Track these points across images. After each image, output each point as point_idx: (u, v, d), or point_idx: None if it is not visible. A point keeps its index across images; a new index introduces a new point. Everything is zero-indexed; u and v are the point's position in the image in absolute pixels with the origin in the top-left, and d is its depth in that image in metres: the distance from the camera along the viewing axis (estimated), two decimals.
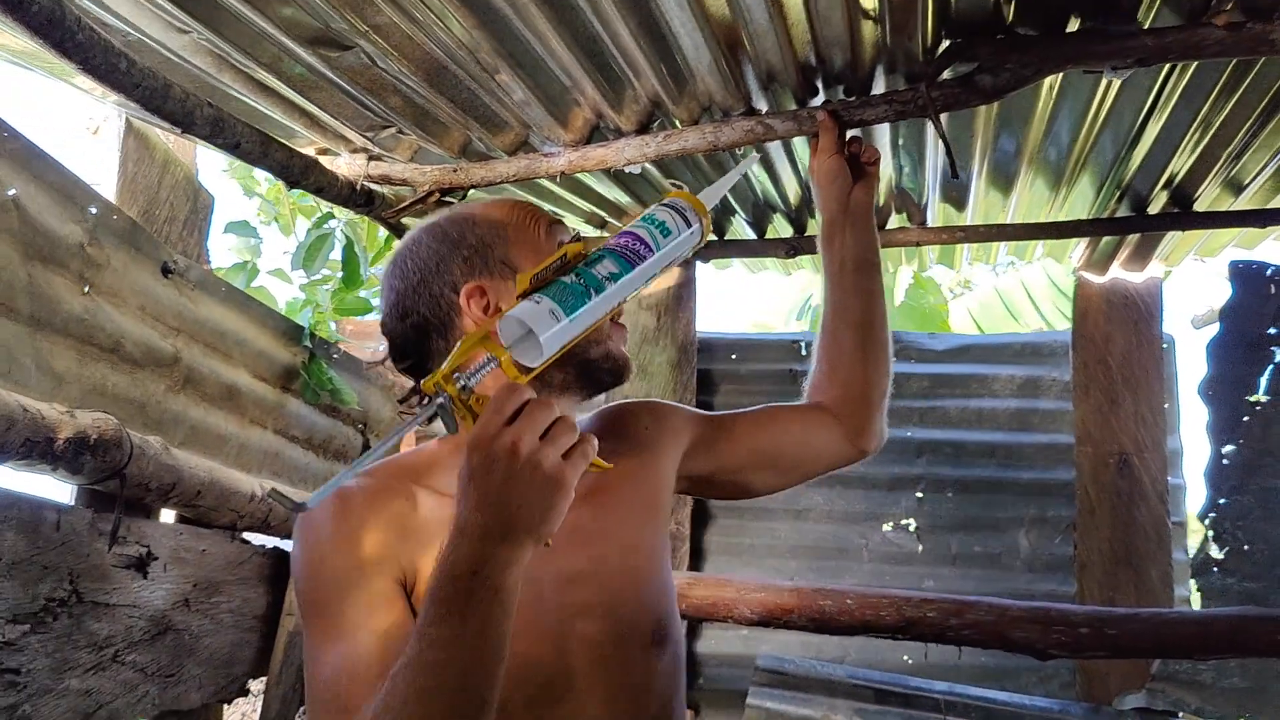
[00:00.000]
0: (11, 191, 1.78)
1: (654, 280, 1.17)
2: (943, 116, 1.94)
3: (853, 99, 2.01)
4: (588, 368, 1.21)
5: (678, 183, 2.65)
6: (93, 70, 1.43)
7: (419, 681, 0.92)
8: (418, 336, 1.21)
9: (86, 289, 1.98)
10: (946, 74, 1.93)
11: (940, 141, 2.01)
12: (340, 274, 2.80)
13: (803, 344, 3.59)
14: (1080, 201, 2.88)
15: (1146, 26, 1.86)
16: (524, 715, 1.10)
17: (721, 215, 3.00)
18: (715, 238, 3.16)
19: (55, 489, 1.97)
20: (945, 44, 1.89)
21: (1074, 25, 1.88)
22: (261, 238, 3.25)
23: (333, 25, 1.68)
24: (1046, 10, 1.83)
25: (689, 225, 1.17)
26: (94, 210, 1.99)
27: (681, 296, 3.43)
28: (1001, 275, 5.45)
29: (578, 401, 1.25)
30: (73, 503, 1.96)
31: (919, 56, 1.93)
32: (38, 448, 1.65)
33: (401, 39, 1.72)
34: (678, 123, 2.12)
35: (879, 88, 2.02)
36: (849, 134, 1.77)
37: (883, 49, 1.91)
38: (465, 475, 0.93)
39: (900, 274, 5.25)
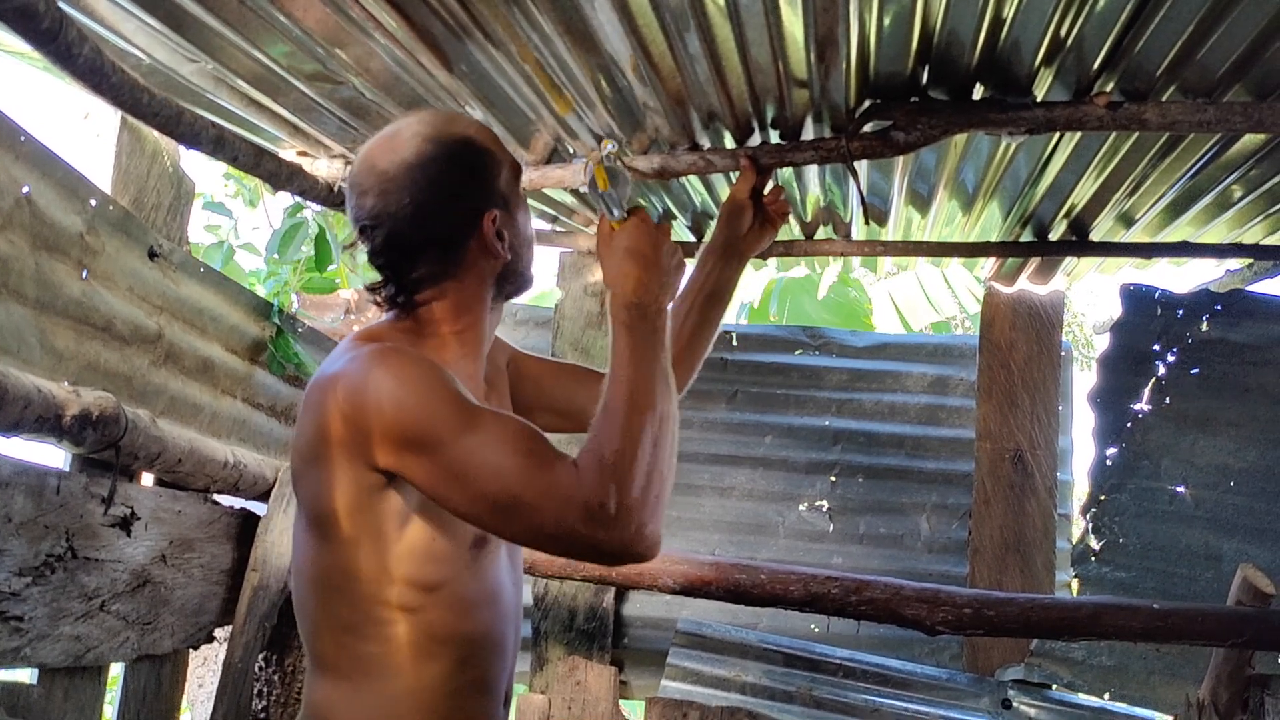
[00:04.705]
0: (25, 189, 1.96)
1: None
2: None
3: (784, 143, 2.27)
4: (519, 281, 1.47)
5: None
6: (121, 104, 1.64)
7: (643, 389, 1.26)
8: (423, 246, 1.36)
9: (84, 274, 2.17)
10: (867, 127, 2.19)
11: (857, 183, 2.28)
12: (309, 255, 3.00)
13: (734, 335, 3.84)
14: (990, 222, 3.15)
15: (1039, 98, 2.14)
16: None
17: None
18: None
19: (46, 454, 2.19)
20: (866, 104, 2.15)
21: (979, 92, 2.16)
22: (235, 217, 3.44)
23: (328, 66, 1.90)
24: (955, 78, 2.10)
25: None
26: (93, 202, 2.18)
27: None
28: (922, 265, 5.71)
29: (500, 305, 1.49)
30: (69, 468, 2.17)
31: (844, 110, 2.19)
32: (48, 424, 1.86)
33: (389, 79, 1.94)
34: (629, 151, 2.36)
35: (809, 134, 2.28)
36: (770, 185, 1.87)
37: (812, 102, 2.17)
38: (643, 257, 1.31)
39: (826, 272, 5.49)
